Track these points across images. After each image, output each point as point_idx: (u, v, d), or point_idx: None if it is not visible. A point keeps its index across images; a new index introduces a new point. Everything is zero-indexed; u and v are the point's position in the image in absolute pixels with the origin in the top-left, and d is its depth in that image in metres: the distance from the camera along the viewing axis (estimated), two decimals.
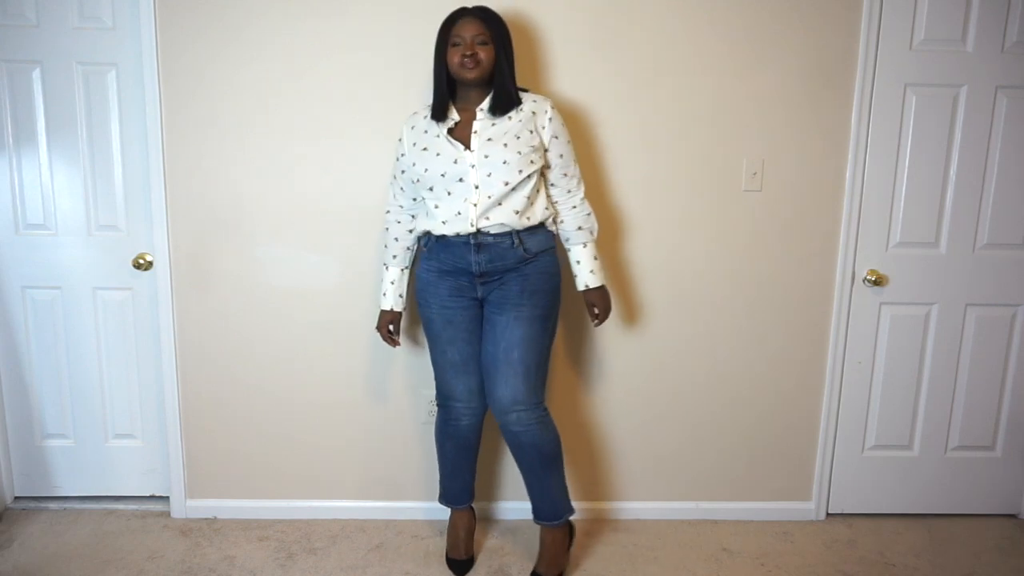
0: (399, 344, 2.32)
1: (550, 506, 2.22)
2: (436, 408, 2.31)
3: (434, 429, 2.34)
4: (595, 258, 2.19)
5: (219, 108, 2.35)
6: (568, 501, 2.25)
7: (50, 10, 2.34)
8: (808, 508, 2.65)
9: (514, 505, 2.59)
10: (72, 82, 2.39)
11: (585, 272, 2.19)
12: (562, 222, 2.18)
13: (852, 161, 2.42)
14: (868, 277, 2.49)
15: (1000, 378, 2.60)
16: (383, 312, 2.27)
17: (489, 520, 2.58)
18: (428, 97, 2.27)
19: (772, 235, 2.47)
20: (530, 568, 2.33)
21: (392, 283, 2.24)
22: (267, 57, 2.33)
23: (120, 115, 2.41)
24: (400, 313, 2.28)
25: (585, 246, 2.18)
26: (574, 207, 2.17)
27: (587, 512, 2.62)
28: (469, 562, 2.34)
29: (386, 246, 2.25)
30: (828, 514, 2.67)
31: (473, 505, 2.42)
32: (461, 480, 2.32)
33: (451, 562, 2.33)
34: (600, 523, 2.60)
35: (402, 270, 2.25)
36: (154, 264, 2.45)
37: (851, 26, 2.35)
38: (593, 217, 2.20)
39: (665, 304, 2.51)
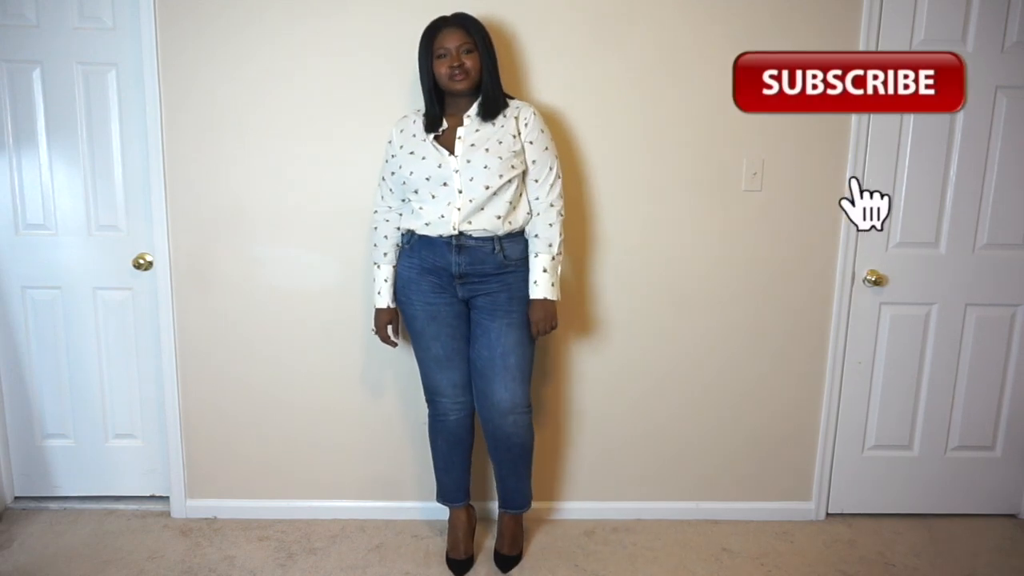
0: (397, 344, 2.32)
1: (522, 496, 2.34)
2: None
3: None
4: (544, 270, 2.13)
5: (219, 108, 2.35)
6: (531, 489, 2.37)
7: (50, 10, 2.34)
8: (808, 508, 2.65)
9: None
10: (72, 82, 2.39)
11: (545, 283, 2.14)
12: (535, 237, 2.16)
13: (852, 161, 2.42)
14: (868, 277, 2.49)
15: (1000, 378, 2.60)
16: (380, 311, 2.26)
17: (490, 521, 2.58)
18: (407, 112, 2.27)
19: (772, 235, 2.47)
20: (531, 567, 2.34)
21: (386, 281, 2.24)
22: (267, 57, 2.33)
23: (120, 115, 2.41)
24: (396, 311, 2.28)
25: (536, 256, 2.14)
26: (538, 213, 2.16)
27: (587, 512, 2.62)
28: (469, 562, 2.34)
29: (376, 245, 2.25)
30: (828, 514, 2.67)
31: (473, 504, 2.42)
32: (454, 477, 2.33)
33: (451, 562, 2.33)
34: (600, 523, 2.60)
35: (393, 267, 2.25)
36: (154, 264, 2.45)
37: (851, 26, 2.35)
38: (556, 230, 2.14)
39: (665, 304, 2.51)
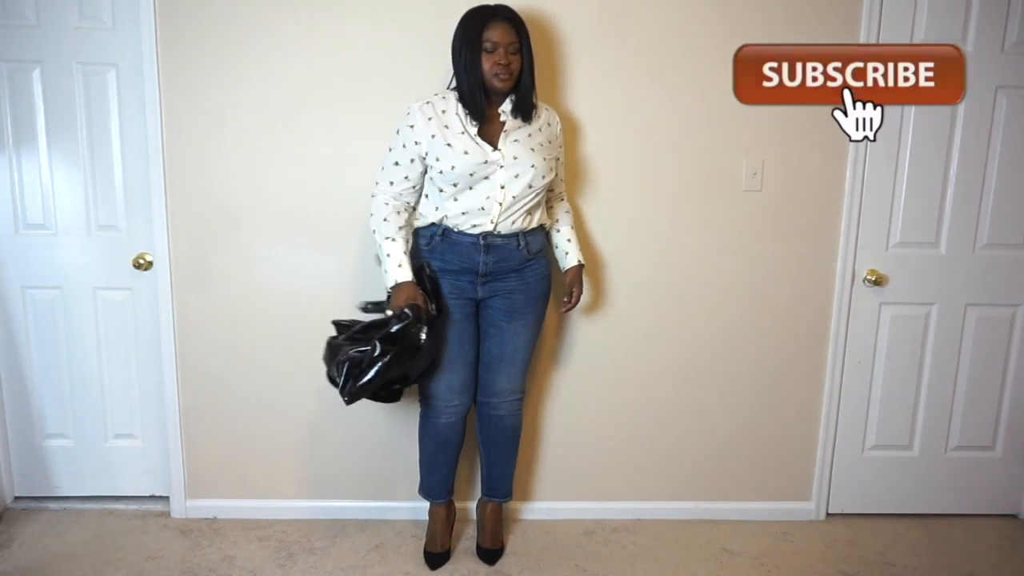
0: (435, 314, 2.10)
1: (507, 484, 2.40)
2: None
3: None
4: (568, 240, 2.30)
5: (219, 108, 2.35)
6: (513, 481, 2.43)
7: (50, 10, 2.34)
8: (808, 508, 2.65)
9: (513, 505, 2.60)
10: (72, 82, 2.38)
11: (574, 250, 2.29)
12: (556, 220, 2.31)
13: (852, 161, 2.42)
14: (868, 277, 2.49)
15: (1000, 378, 2.60)
16: (402, 286, 2.04)
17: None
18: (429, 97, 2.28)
19: (772, 235, 2.47)
20: (531, 567, 2.34)
21: (405, 253, 2.08)
22: (267, 57, 2.32)
23: (120, 115, 2.41)
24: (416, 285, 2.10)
25: (572, 228, 2.32)
26: (562, 203, 2.35)
27: (587, 512, 2.62)
28: (445, 555, 2.36)
29: (386, 219, 2.09)
30: (828, 514, 2.67)
31: (453, 500, 2.42)
32: (438, 475, 2.34)
33: (428, 555, 2.35)
34: (600, 523, 2.60)
35: (407, 242, 2.12)
36: (154, 264, 2.45)
37: (851, 26, 2.35)
38: (567, 205, 2.38)
39: (664, 303, 2.51)
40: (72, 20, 2.35)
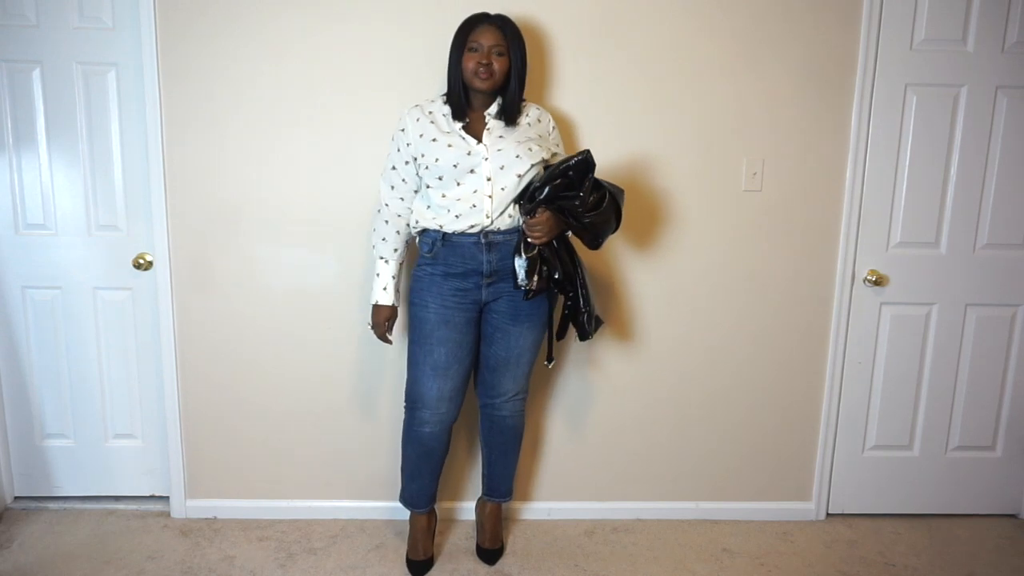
0: (392, 343, 2.31)
1: (506, 484, 2.41)
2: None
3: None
4: None
5: (219, 108, 2.35)
6: (514, 481, 2.44)
7: (50, 10, 2.34)
8: (808, 508, 2.65)
9: (513, 505, 2.60)
10: (72, 82, 2.39)
11: None
12: None
13: (852, 161, 2.42)
14: (868, 277, 2.49)
15: (1000, 378, 2.60)
16: (381, 308, 2.21)
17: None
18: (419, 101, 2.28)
19: (772, 235, 2.47)
20: (531, 567, 2.34)
21: (393, 278, 2.20)
22: (268, 57, 2.33)
23: (120, 115, 2.41)
24: (397, 309, 2.25)
25: None
26: None
27: (587, 512, 2.62)
28: (428, 563, 2.34)
29: (384, 239, 2.19)
30: (828, 514, 2.67)
31: (435, 508, 2.40)
32: (420, 485, 2.31)
33: (410, 563, 2.33)
34: (600, 523, 2.60)
35: (400, 264, 2.23)
36: (154, 264, 2.45)
37: (851, 26, 2.36)
38: None
39: (664, 304, 2.51)
40: (72, 20, 2.35)
